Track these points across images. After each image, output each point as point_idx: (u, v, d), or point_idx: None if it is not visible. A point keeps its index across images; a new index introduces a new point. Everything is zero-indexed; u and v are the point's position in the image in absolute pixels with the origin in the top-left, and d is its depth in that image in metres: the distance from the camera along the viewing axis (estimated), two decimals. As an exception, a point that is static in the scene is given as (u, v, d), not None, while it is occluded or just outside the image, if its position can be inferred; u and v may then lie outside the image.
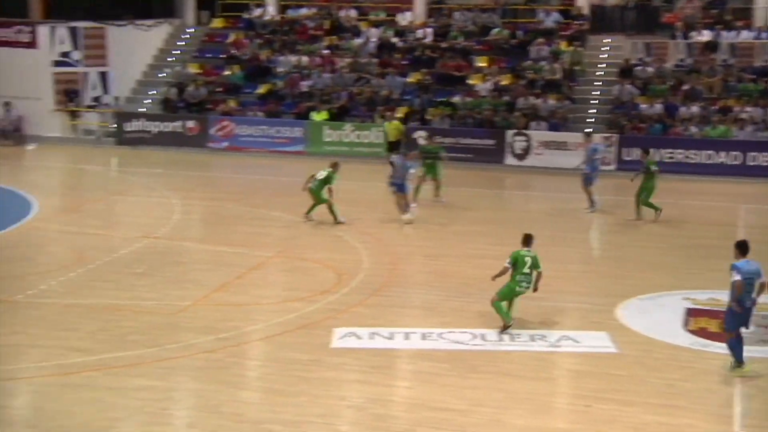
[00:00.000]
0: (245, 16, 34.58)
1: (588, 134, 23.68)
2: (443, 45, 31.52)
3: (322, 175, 19.74)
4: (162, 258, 17.04)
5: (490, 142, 28.00)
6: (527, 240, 13.42)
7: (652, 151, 23.03)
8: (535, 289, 13.30)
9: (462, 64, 30.83)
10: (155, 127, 30.51)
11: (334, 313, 13.95)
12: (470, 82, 30.41)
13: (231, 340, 12.85)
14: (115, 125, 30.90)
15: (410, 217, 19.87)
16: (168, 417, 10.58)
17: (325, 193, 19.65)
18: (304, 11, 34.45)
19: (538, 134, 27.66)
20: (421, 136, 26.36)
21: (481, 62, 31.25)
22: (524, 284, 13.17)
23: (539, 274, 13.17)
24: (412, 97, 30.00)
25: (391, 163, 20.45)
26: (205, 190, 24.73)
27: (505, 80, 30.15)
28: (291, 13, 34.58)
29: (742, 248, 11.75)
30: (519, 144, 27.81)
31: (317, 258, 17.02)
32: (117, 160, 29.25)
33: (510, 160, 27.85)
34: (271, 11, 34.56)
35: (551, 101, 28.69)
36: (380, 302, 14.61)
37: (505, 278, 13.29)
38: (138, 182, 25.34)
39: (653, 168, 20.61)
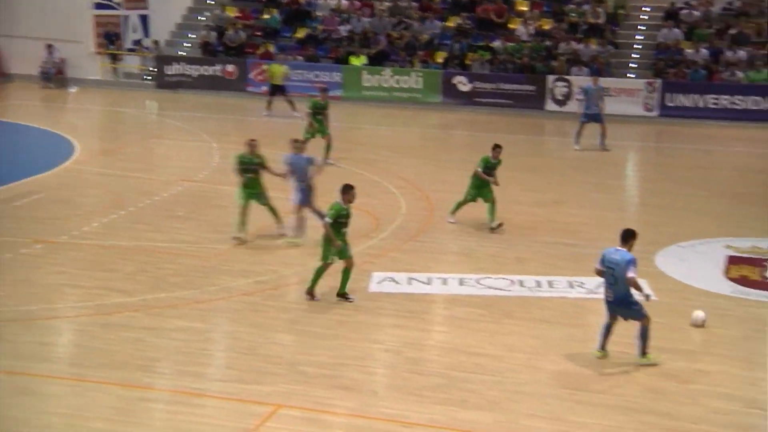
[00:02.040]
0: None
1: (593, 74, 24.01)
2: (484, -12, 31.00)
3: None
4: (201, 202, 17.17)
5: (530, 87, 27.65)
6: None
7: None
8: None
9: (502, 8, 30.33)
10: (195, 70, 30.51)
11: (371, 257, 13.99)
12: (510, 26, 29.95)
13: (268, 283, 12.97)
14: (155, 68, 30.97)
15: (292, 236, 14.84)
16: (206, 357, 10.76)
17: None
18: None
19: (579, 79, 27.24)
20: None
21: (522, 6, 30.73)
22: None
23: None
24: (451, 41, 29.66)
25: (290, 165, 14.97)
26: (243, 134, 24.70)
27: (545, 24, 29.65)
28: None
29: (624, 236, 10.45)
30: (560, 90, 27.44)
31: (355, 203, 16.99)
32: (157, 103, 29.37)
33: (550, 105, 27.52)
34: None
35: (593, 46, 28.20)
36: (417, 248, 14.62)
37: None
38: (177, 126, 25.45)
39: None
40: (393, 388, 10.02)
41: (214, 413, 9.44)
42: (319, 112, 19.98)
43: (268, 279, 13.11)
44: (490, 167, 15.52)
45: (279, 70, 26.93)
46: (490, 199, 15.47)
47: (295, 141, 15.28)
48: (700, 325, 11.61)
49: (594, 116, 22.00)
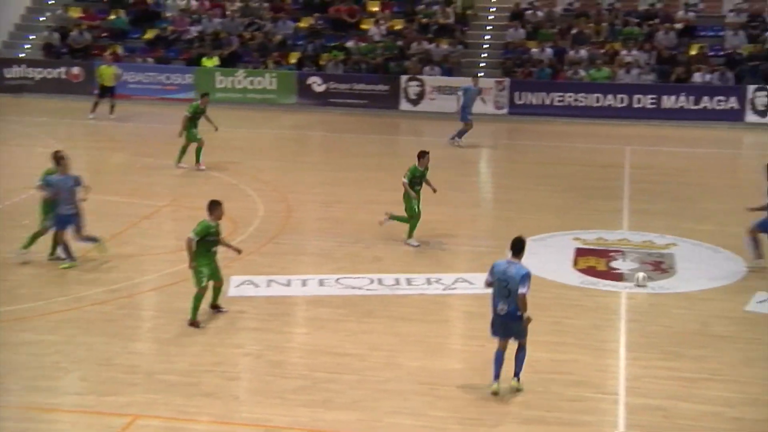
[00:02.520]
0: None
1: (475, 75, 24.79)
2: (335, -11, 31.15)
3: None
4: (48, 209, 16.47)
5: (384, 87, 27.97)
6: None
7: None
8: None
9: (354, 9, 30.56)
10: (37, 73, 29.34)
11: (229, 261, 13.75)
12: (363, 27, 30.21)
13: (122, 291, 12.60)
14: (-6, 72, 29.57)
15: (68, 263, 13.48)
16: (58, 371, 10.33)
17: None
18: (191, -47, 33.41)
19: (432, 79, 27.76)
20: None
21: (373, 7, 31.07)
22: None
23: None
24: (305, 42, 29.64)
25: (54, 187, 13.39)
26: (92, 138, 24.00)
27: (397, 25, 30.06)
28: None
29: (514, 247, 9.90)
30: (413, 89, 27.87)
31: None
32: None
33: (404, 105, 27.91)
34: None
35: (444, 46, 28.77)
36: (276, 250, 14.53)
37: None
38: (21, 131, 24.36)
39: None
40: (255, 393, 9.92)
41: (69, 428, 9.09)
42: (198, 117, 19.64)
43: (121, 287, 12.73)
44: (418, 176, 14.67)
45: (108, 71, 26.22)
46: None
47: (59, 158, 13.27)
48: (642, 284, 12.52)
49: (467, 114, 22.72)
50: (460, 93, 23.40)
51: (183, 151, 19.63)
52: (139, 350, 10.89)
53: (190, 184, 18.71)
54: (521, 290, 9.45)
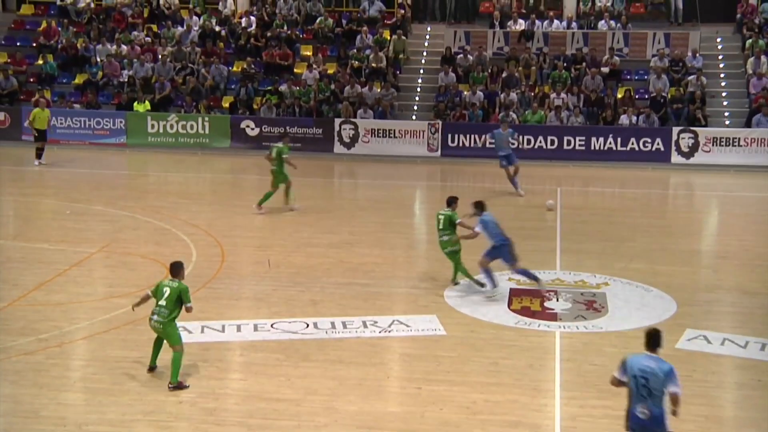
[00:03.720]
0: (57, 2, 33.03)
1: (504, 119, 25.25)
2: (267, 34, 31.26)
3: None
4: (-27, 258, 16.06)
5: (318, 130, 28.03)
6: (174, 269, 11.11)
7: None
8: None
9: (287, 53, 30.68)
10: (-38, 119, 28.72)
11: (161, 308, 13.55)
12: (296, 70, 30.34)
13: (51, 340, 12.28)
14: None
15: None
16: (-17, 425, 10.00)
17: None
18: (121, -2, 33.28)
19: (365, 122, 27.93)
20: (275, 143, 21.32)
21: (306, 51, 31.24)
22: (155, 317, 10.91)
23: (188, 309, 11.02)
24: (238, 86, 29.61)
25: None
26: (19, 184, 23.50)
27: (330, 69, 30.26)
28: (106, 1, 33.33)
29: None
30: (346, 132, 27.99)
31: (143, 252, 16.53)
32: None
33: (338, 148, 27.99)
34: (85, -2, 33.18)
35: (377, 89, 29.03)
36: (210, 295, 14.34)
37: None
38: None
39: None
40: (189, 442, 9.71)
41: (-6, 485, 8.77)
42: (282, 158, 19.89)
43: (51, 336, 12.40)
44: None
45: (43, 114, 25.79)
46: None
47: None
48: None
49: (507, 157, 22.53)
50: (490, 138, 23.05)
51: (287, 193, 19.99)
52: (69, 401, 10.60)
53: (120, 229, 18.41)
54: (673, 389, 8.18)
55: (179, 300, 10.84)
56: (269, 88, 29.55)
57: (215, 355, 11.98)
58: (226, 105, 29.17)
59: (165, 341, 10.98)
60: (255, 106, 28.87)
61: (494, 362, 11.79)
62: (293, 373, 11.40)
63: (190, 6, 32.71)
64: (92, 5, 32.98)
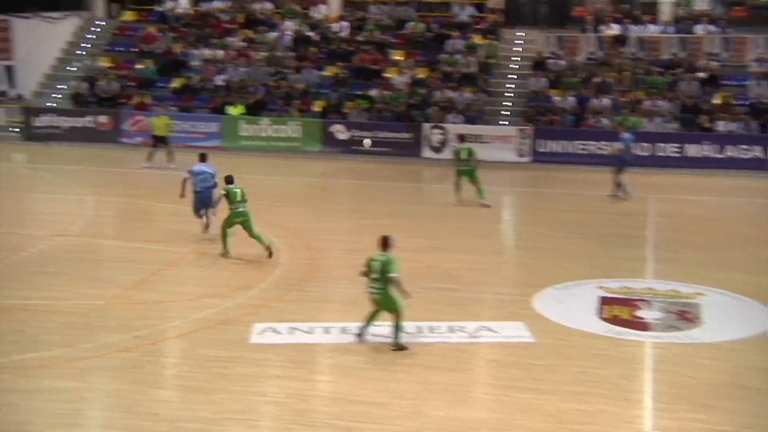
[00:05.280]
0: (157, 9, 34.01)
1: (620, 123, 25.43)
2: (359, 38, 31.53)
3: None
4: (75, 256, 16.64)
5: (407, 135, 28.14)
6: (383, 243, 12.20)
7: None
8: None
9: (378, 58, 30.89)
10: (66, 122, 29.79)
11: (252, 308, 13.82)
12: (387, 75, 30.50)
13: (147, 338, 12.62)
14: (23, 121, 30.03)
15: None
16: (81, 418, 10.34)
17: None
18: (217, 4, 34.09)
19: (455, 127, 27.90)
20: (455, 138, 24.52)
21: (397, 56, 31.39)
22: (372, 290, 12.05)
23: (392, 279, 11.88)
24: (329, 90, 29.93)
25: (190, 172, 17.99)
26: (118, 186, 24.24)
27: (421, 73, 30.33)
28: (204, 6, 34.15)
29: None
30: (436, 137, 28.01)
31: (235, 253, 16.85)
32: (26, 156, 28.42)
33: (427, 153, 28.04)
34: (183, 4, 34.09)
35: (467, 94, 28.96)
36: (300, 297, 14.53)
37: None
38: (49, 179, 24.68)
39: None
40: (278, 442, 9.87)
41: (92, 477, 9.06)
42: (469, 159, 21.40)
43: (146, 334, 12.75)
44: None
45: (161, 122, 26.54)
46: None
47: None
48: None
49: (627, 161, 22.68)
50: (623, 143, 22.96)
51: (480, 191, 21.19)
52: (163, 397, 10.88)
53: (214, 231, 18.77)
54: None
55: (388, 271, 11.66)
56: (360, 92, 29.79)
57: (304, 357, 12.13)
58: (319, 109, 29.52)
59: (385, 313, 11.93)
60: (346, 111, 29.14)
61: (584, 371, 11.63)
62: (381, 376, 11.45)
63: (283, 11, 33.25)
64: (191, 11, 33.84)
